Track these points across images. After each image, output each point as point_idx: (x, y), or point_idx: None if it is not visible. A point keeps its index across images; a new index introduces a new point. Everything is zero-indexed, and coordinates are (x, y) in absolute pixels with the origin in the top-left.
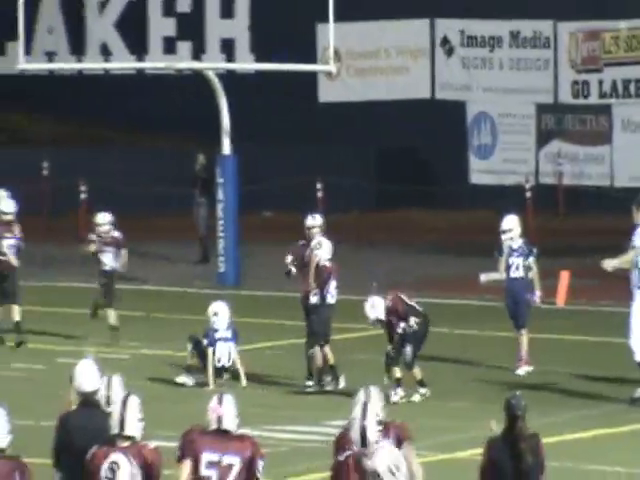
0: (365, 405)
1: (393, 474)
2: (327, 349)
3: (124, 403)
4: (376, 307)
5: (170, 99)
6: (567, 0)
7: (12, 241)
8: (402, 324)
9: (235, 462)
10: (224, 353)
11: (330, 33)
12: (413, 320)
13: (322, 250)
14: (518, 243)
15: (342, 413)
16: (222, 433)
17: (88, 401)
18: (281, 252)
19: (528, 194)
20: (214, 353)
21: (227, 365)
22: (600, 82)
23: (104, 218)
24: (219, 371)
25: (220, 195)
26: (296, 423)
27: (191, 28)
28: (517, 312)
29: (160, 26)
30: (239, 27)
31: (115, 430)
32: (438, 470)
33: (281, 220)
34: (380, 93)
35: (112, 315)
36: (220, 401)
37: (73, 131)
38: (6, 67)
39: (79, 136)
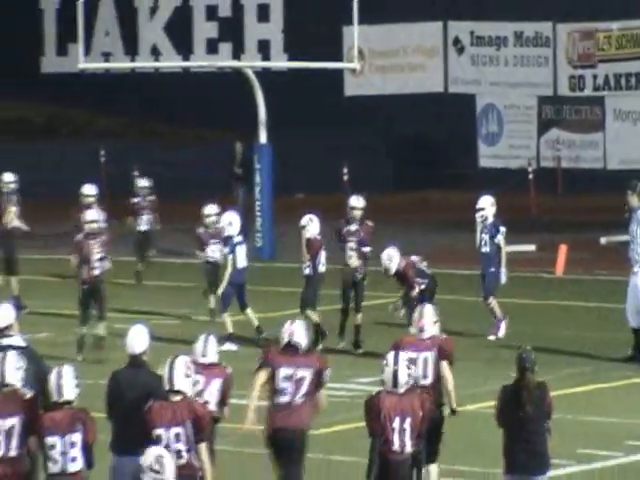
0: (397, 352)
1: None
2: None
3: (171, 364)
4: (393, 258)
5: (212, 94)
6: (565, 3)
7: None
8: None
9: (306, 374)
10: (242, 255)
11: (354, 34)
12: (419, 283)
13: (312, 226)
14: (489, 222)
15: (369, 372)
16: (294, 350)
17: (136, 361)
18: None
19: (530, 176)
20: (234, 258)
21: (246, 265)
22: (594, 76)
23: (211, 209)
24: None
25: (257, 179)
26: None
27: (231, 31)
28: (483, 284)
29: (204, 29)
30: (274, 30)
31: (166, 387)
32: (450, 421)
33: (311, 201)
34: (399, 87)
35: (212, 300)
36: (292, 322)
37: (127, 124)
38: (68, 66)
39: (132, 128)
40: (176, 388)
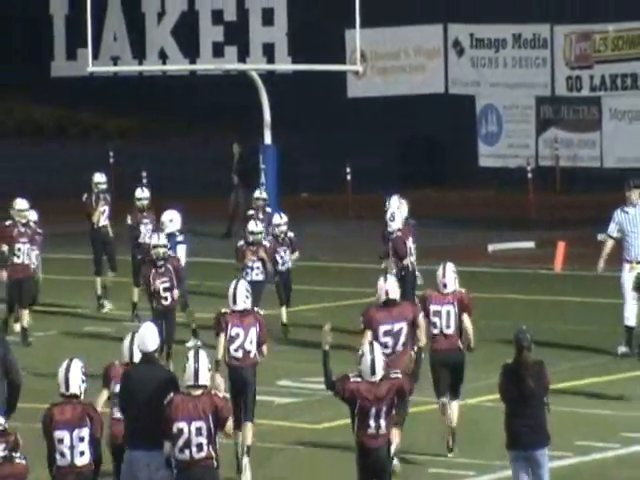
0: (372, 344)
1: None
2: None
3: (196, 357)
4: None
5: (219, 96)
6: (562, 6)
7: (149, 226)
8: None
9: (403, 326)
10: (182, 254)
11: (357, 37)
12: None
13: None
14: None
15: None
16: (389, 305)
17: (148, 359)
18: (317, 227)
19: (529, 175)
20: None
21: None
22: (591, 77)
23: (280, 219)
24: None
25: (262, 179)
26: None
27: (237, 34)
28: None
29: (210, 33)
30: (278, 33)
31: (190, 382)
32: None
33: (316, 200)
34: (401, 89)
35: (284, 313)
36: (385, 279)
37: (134, 126)
38: (77, 70)
39: (139, 130)
40: (201, 383)
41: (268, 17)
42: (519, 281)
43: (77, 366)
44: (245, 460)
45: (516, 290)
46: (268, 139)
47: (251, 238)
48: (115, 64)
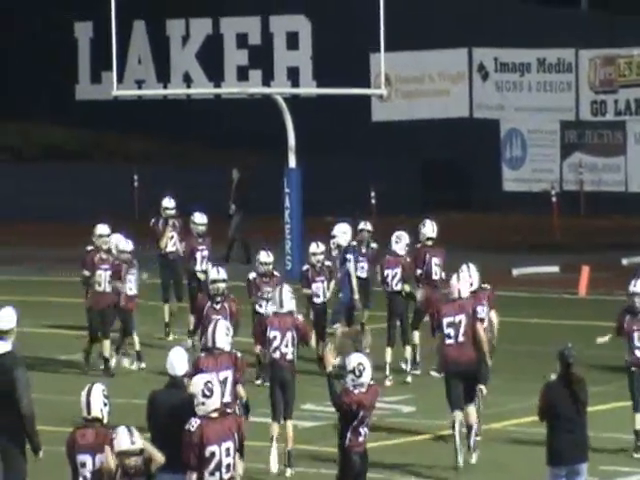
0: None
1: None
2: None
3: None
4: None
5: (243, 120)
6: (587, 31)
7: (205, 252)
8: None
9: (462, 319)
10: (134, 282)
11: (381, 61)
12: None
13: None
14: (342, 248)
15: (395, 391)
16: (457, 301)
17: (175, 383)
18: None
19: (554, 199)
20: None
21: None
22: (615, 101)
23: (317, 247)
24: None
25: (287, 203)
26: None
27: (261, 58)
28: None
29: (234, 57)
30: (303, 57)
31: (216, 405)
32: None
33: None
34: (425, 113)
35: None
36: (457, 278)
37: (159, 148)
38: (101, 93)
39: (164, 153)
40: (219, 406)
41: (293, 41)
42: (543, 305)
43: (98, 390)
44: (289, 472)
45: (540, 314)
46: (292, 163)
47: (263, 269)
48: (140, 87)
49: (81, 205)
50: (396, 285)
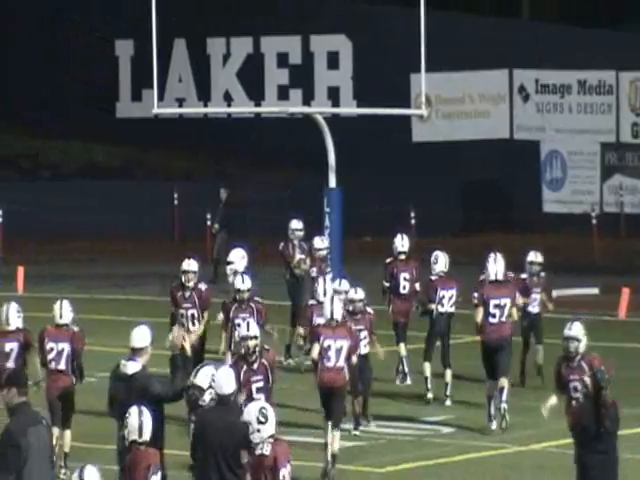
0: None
1: None
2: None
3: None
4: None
5: (283, 139)
6: (627, 53)
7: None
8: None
9: (507, 302)
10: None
11: (422, 82)
12: None
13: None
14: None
15: (436, 411)
16: (499, 283)
17: (223, 401)
18: (379, 272)
19: (594, 221)
20: None
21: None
22: None
23: (355, 293)
24: None
25: (327, 222)
26: (394, 419)
27: (302, 77)
28: None
29: (275, 76)
30: (343, 77)
31: (273, 432)
32: (513, 460)
33: (379, 244)
34: (465, 133)
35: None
36: (495, 260)
37: (199, 166)
38: (142, 111)
39: (204, 171)
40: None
41: (333, 60)
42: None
43: (146, 414)
44: (333, 471)
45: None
46: (332, 182)
47: (350, 307)
48: (180, 105)
49: (122, 222)
50: (451, 307)
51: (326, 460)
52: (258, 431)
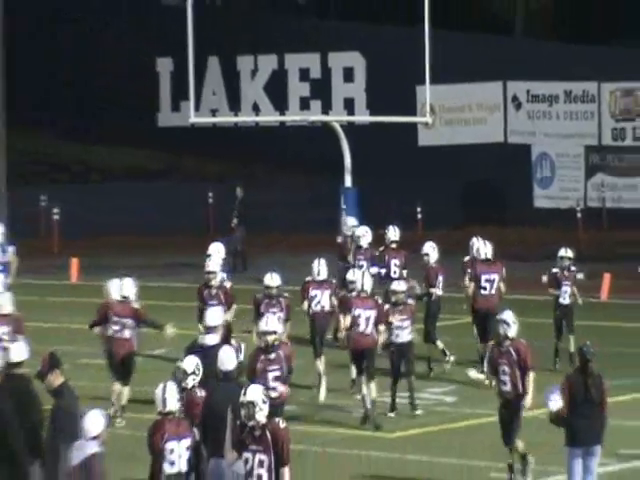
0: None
1: None
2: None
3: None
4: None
5: (304, 144)
6: (608, 67)
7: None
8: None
9: (496, 277)
10: None
11: (427, 93)
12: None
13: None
14: None
15: (440, 384)
16: (489, 262)
17: (227, 377)
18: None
19: (579, 215)
20: None
21: None
22: (634, 128)
23: (398, 285)
24: None
25: (344, 218)
26: (403, 391)
27: (321, 90)
28: None
29: (297, 89)
30: (358, 89)
31: None
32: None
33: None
34: (465, 138)
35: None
36: (484, 244)
37: (231, 170)
38: (180, 120)
39: (235, 173)
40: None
41: (348, 75)
42: None
43: (172, 387)
44: (374, 413)
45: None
46: (348, 182)
47: (394, 298)
48: (214, 115)
49: (161, 219)
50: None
51: (365, 407)
52: (261, 410)
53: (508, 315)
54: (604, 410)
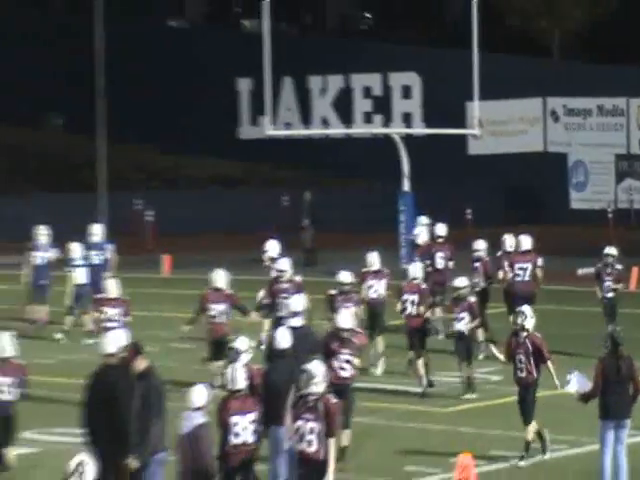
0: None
1: None
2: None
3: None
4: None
5: (367, 154)
6: (636, 84)
7: (442, 253)
8: None
9: (529, 266)
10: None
11: (476, 108)
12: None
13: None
14: None
15: (486, 363)
16: (524, 252)
17: (281, 354)
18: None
19: (610, 215)
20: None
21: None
22: None
23: (460, 282)
24: None
25: (402, 217)
26: (454, 370)
27: (382, 106)
28: None
29: (361, 105)
30: (415, 104)
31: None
32: (545, 402)
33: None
34: (509, 148)
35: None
36: (522, 237)
37: (303, 176)
38: (258, 133)
39: (306, 180)
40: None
41: (406, 92)
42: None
43: (240, 368)
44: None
45: (599, 305)
46: (407, 187)
47: (455, 294)
48: (288, 129)
49: (243, 220)
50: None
51: (419, 377)
52: (318, 382)
53: (527, 309)
54: (637, 387)
